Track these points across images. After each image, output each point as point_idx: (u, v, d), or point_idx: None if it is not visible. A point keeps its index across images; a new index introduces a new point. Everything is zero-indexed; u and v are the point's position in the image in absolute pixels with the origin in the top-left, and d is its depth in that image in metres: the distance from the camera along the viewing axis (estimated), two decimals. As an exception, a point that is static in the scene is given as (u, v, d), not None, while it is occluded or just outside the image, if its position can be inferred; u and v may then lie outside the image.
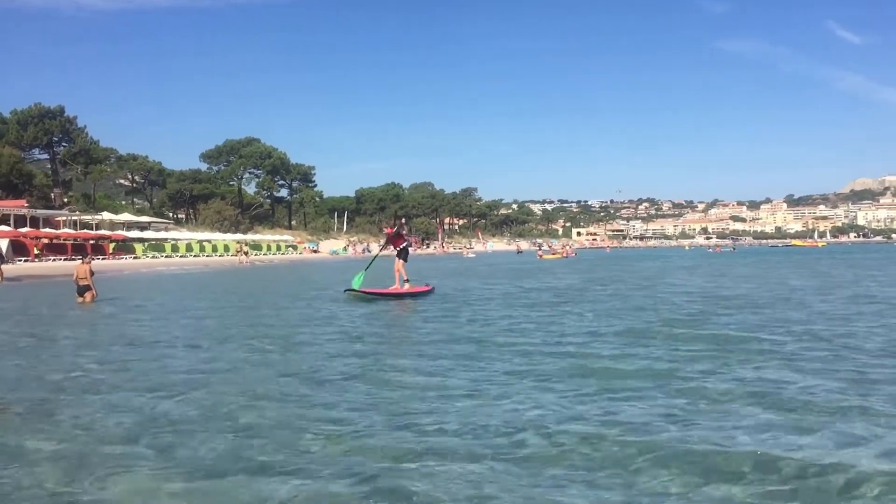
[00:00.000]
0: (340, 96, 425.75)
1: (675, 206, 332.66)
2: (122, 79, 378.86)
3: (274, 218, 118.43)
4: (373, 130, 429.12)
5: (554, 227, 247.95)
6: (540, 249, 79.17)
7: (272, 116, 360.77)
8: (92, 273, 19.53)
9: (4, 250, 44.80)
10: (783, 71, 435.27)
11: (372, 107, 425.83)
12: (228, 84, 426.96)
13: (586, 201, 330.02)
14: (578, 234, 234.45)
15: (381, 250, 18.56)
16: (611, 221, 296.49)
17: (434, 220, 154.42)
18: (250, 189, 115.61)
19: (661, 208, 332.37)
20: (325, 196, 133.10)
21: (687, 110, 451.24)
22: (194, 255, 65.68)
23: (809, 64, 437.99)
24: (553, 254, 74.63)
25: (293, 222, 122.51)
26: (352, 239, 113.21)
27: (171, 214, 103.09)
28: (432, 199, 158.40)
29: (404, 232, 19.22)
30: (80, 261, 20.45)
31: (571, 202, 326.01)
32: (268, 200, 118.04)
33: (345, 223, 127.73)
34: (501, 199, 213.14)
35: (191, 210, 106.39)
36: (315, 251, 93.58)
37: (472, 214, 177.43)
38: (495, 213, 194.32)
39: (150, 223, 77.63)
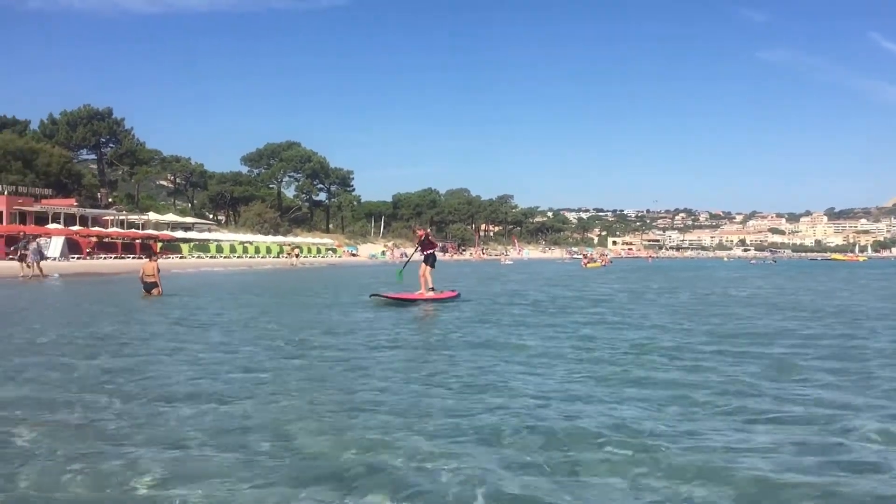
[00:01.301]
0: (378, 100, 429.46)
1: (713, 216, 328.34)
2: (163, 82, 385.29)
3: (312, 221, 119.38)
4: (409, 135, 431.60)
5: (589, 235, 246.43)
6: (585, 258, 78.61)
7: (311, 119, 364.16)
8: (158, 270, 19.83)
9: (60, 248, 45.81)
10: (825, 81, 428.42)
11: (409, 111, 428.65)
12: (269, 88, 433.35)
13: (622, 210, 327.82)
14: (614, 243, 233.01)
15: (414, 252, 18.23)
16: (647, 231, 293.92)
17: (470, 227, 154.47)
18: (289, 192, 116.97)
19: (698, 219, 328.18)
20: (362, 200, 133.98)
21: (725, 120, 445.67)
22: (238, 257, 66.39)
23: (851, 75, 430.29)
24: (590, 262, 73.86)
25: (331, 226, 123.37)
26: (388, 244, 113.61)
27: (211, 216, 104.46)
28: (468, 206, 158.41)
29: (432, 238, 18.85)
30: (147, 259, 20.77)
31: (607, 211, 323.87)
32: (306, 204, 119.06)
33: (382, 228, 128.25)
34: (537, 207, 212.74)
35: (231, 212, 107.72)
36: (354, 255, 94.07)
37: (508, 221, 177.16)
38: (531, 220, 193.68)
39: (193, 224, 78.70)
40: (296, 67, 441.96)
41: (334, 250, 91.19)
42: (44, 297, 20.86)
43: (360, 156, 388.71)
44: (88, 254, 49.95)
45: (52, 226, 51.65)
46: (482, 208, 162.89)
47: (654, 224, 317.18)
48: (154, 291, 19.43)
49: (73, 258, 46.10)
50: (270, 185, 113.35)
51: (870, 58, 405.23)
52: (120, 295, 21.06)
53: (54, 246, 45.66)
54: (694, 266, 74.87)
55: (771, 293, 23.74)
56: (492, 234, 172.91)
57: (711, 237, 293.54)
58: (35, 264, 31.12)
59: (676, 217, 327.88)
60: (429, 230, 20.32)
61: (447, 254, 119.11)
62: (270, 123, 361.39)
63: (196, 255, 61.81)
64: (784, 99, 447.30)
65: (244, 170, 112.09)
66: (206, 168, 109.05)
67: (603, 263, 73.58)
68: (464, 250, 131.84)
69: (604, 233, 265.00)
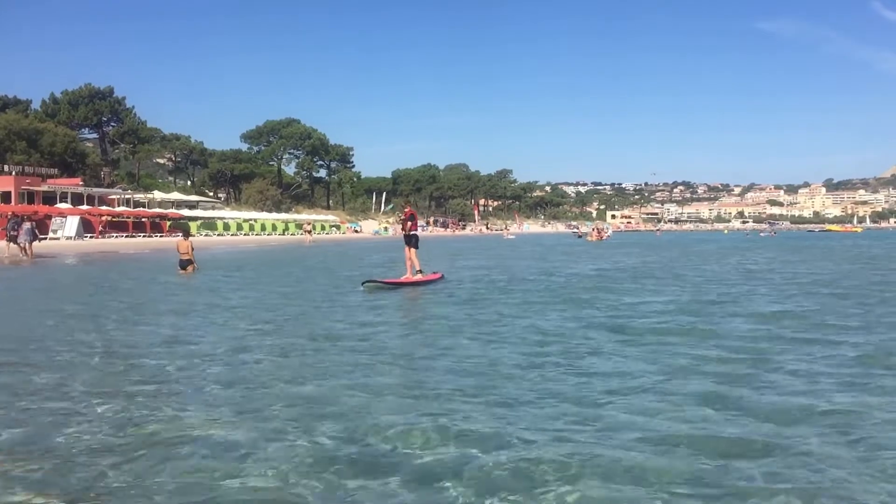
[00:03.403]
0: (377, 77, 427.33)
1: (711, 189, 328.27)
2: (161, 59, 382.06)
3: (313, 198, 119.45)
4: (408, 111, 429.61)
5: (588, 209, 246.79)
6: (595, 231, 77.98)
7: (310, 96, 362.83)
8: (192, 248, 20.44)
9: (76, 227, 46.27)
10: (824, 52, 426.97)
11: (408, 87, 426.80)
12: (268, 65, 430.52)
13: (620, 184, 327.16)
14: (613, 216, 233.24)
15: (402, 229, 17.48)
16: (645, 204, 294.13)
17: (469, 202, 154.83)
18: (290, 169, 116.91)
19: (697, 191, 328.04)
20: (362, 176, 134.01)
21: (724, 91, 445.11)
22: (244, 234, 66.87)
23: (851, 45, 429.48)
24: (598, 236, 73.81)
25: (331, 202, 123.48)
26: (390, 220, 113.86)
27: (211, 193, 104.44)
28: (468, 181, 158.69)
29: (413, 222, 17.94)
30: (181, 237, 21.32)
31: (605, 185, 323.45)
32: (307, 181, 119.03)
33: (382, 204, 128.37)
34: (536, 181, 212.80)
35: (231, 189, 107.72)
36: (357, 231, 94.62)
37: (507, 196, 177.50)
38: (529, 195, 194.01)
39: (198, 202, 79.00)
40: (295, 44, 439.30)
41: (338, 227, 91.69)
42: (88, 276, 21.39)
43: (359, 132, 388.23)
44: (101, 233, 50.45)
45: (60, 205, 52.03)
46: (481, 183, 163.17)
47: (652, 197, 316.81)
48: (189, 268, 20.05)
49: (86, 237, 46.65)
50: (271, 163, 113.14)
51: (870, 27, 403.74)
52: (157, 274, 21.55)
53: (70, 225, 46.18)
54: (711, 239, 73.68)
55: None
56: (490, 209, 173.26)
57: (710, 210, 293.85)
58: (27, 245, 28.80)
59: (675, 190, 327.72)
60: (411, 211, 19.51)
61: (448, 229, 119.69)
62: (270, 100, 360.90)
63: (204, 233, 62.19)
64: (783, 70, 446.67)
65: (244, 147, 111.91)
66: (205, 146, 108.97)
67: (601, 238, 72.82)
68: (464, 225, 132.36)
69: (602, 206, 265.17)
